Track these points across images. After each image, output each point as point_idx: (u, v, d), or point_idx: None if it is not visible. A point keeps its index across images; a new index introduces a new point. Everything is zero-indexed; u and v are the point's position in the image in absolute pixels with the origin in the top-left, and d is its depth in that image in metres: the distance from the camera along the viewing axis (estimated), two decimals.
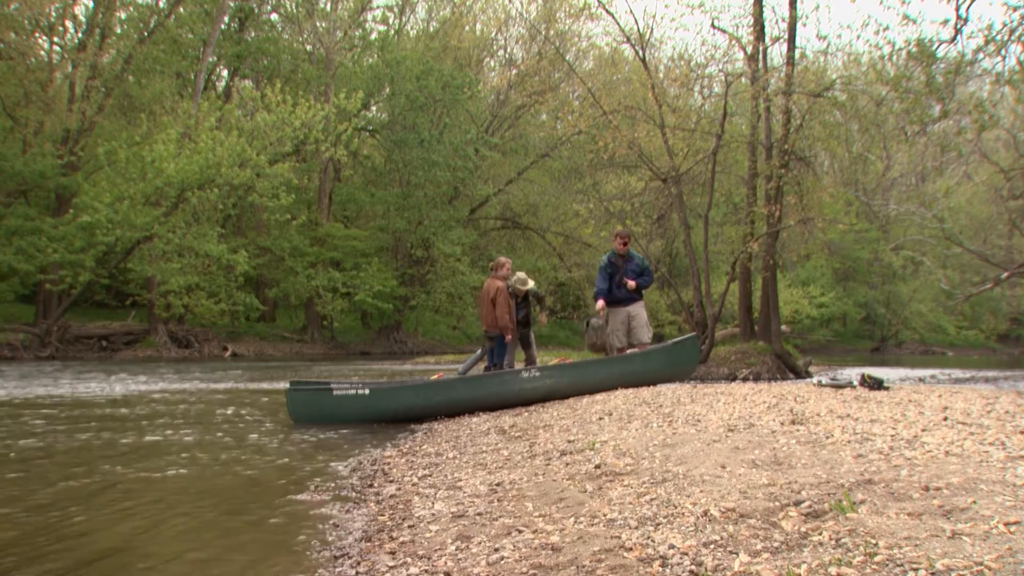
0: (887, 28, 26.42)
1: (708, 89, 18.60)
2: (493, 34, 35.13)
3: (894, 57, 12.66)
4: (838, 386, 6.85)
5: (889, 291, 41.08)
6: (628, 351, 8.45)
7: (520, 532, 2.80)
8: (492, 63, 37.22)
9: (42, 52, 24.74)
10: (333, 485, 4.42)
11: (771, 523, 2.43)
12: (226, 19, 27.85)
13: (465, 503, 3.46)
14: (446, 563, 2.56)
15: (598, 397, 7.03)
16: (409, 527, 3.19)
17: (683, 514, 2.64)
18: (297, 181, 26.54)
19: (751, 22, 14.99)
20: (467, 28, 34.13)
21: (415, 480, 4.31)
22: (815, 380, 10.47)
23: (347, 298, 28.04)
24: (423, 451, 5.48)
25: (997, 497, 2.38)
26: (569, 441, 4.72)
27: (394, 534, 3.11)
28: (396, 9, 34.30)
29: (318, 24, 30.50)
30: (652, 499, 2.91)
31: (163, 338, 23.29)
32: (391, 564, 2.67)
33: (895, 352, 39.85)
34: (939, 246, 21.57)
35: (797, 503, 2.57)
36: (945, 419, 4.19)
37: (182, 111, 23.65)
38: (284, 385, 8.60)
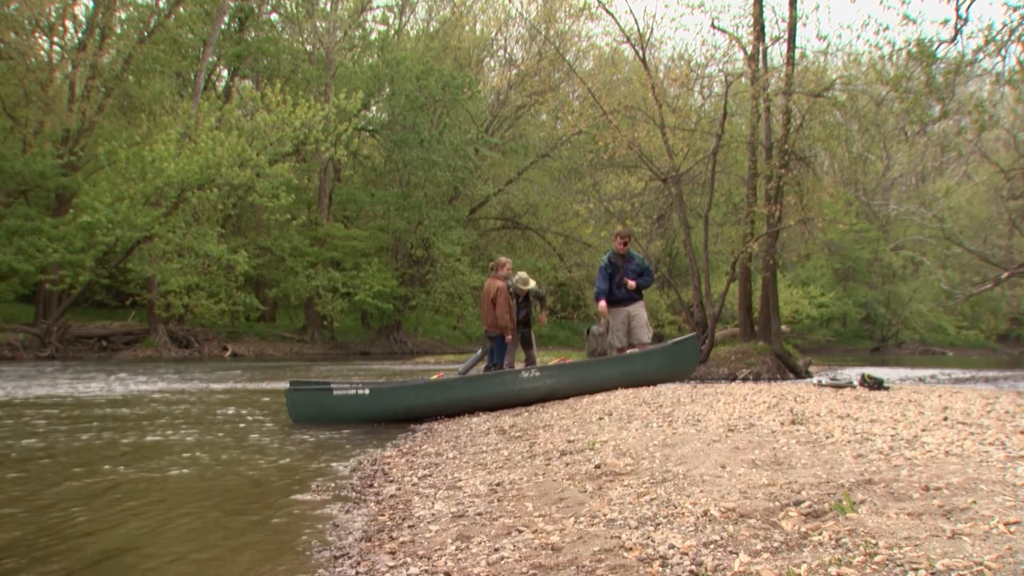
0: (887, 28, 26.47)
1: (708, 89, 18.61)
2: (493, 34, 35.14)
3: (894, 57, 12.67)
4: (838, 386, 6.86)
5: (889, 291, 41.09)
6: (628, 351, 8.46)
7: (520, 532, 2.80)
8: (492, 63, 37.24)
9: (42, 52, 24.75)
10: (333, 485, 4.42)
11: (771, 523, 2.43)
12: (226, 19, 27.85)
13: (465, 503, 3.46)
14: (446, 563, 2.56)
15: (598, 397, 7.03)
16: (409, 527, 3.19)
17: (683, 514, 2.64)
18: (297, 181, 26.55)
19: (751, 22, 14.99)
20: (467, 28, 34.12)
21: (415, 480, 4.31)
22: (815, 380, 10.47)
23: (347, 298, 28.04)
24: (423, 451, 5.48)
25: (997, 497, 2.39)
26: (569, 441, 4.72)
27: (394, 534, 3.11)
28: (396, 9, 34.32)
29: (318, 24, 30.51)
30: (652, 499, 2.91)
31: (163, 338, 23.29)
32: (391, 564, 2.67)
33: (895, 352, 39.86)
34: (939, 246, 21.59)
35: (797, 503, 2.57)
36: (945, 419, 4.19)
37: (182, 111, 23.66)
38: (284, 385, 8.60)
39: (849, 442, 3.56)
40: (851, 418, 4.38)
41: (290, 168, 23.38)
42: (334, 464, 5.17)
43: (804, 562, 2.01)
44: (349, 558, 2.87)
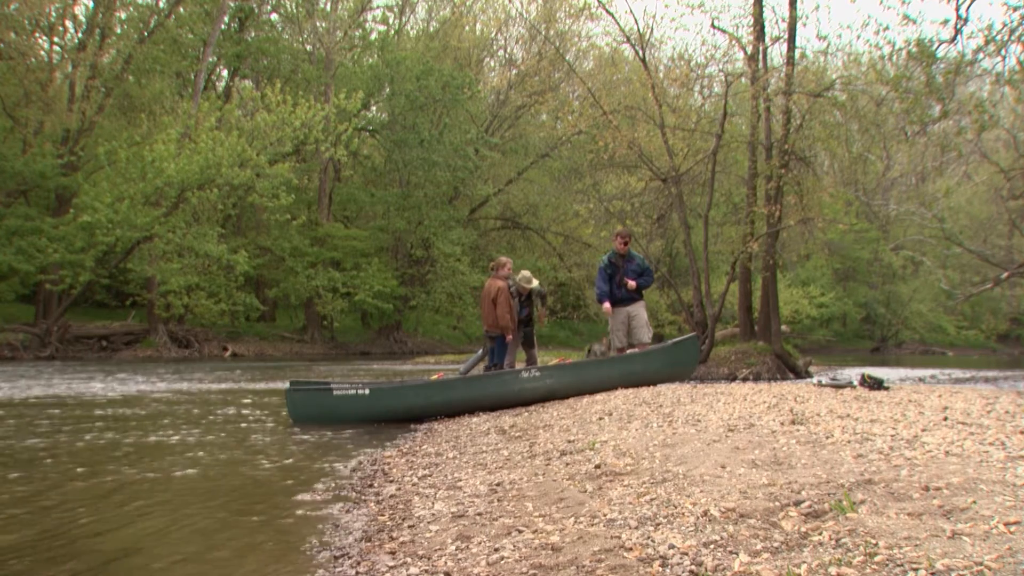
0: (887, 28, 26.47)
1: (708, 89, 18.60)
2: (493, 34, 35.15)
3: (894, 57, 12.67)
4: (838, 386, 6.85)
5: (889, 291, 41.09)
6: (628, 351, 8.45)
7: (520, 532, 2.80)
8: (492, 63, 37.25)
9: (42, 52, 24.76)
10: (333, 485, 4.42)
11: (771, 523, 2.43)
12: (226, 19, 27.86)
13: (465, 503, 3.46)
14: (446, 563, 2.56)
15: (598, 397, 7.03)
16: (409, 527, 3.19)
17: (683, 514, 2.64)
18: (297, 181, 26.56)
19: (751, 22, 14.98)
20: (467, 28, 34.13)
21: (415, 480, 4.31)
22: (815, 380, 10.47)
23: (347, 298, 28.05)
24: (423, 451, 5.48)
25: (997, 497, 2.39)
26: (569, 441, 4.72)
27: (394, 534, 3.11)
28: (396, 9, 34.32)
29: (318, 24, 30.51)
30: (652, 499, 2.91)
31: (163, 338, 23.29)
32: (391, 564, 2.68)
33: (895, 352, 39.86)
34: (939, 246, 21.58)
35: (797, 503, 2.57)
36: (945, 419, 4.19)
37: (182, 111, 23.66)
38: (284, 385, 8.60)
39: (849, 442, 3.56)
40: (851, 418, 4.38)
41: (290, 168, 23.39)
42: (334, 464, 5.17)
43: (804, 562, 2.01)
44: (349, 558, 2.87)
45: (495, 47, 36.41)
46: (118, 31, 25.36)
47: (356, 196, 30.93)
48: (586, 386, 7.72)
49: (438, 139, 28.66)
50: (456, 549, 2.71)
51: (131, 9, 25.80)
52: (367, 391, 7.54)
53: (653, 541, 2.39)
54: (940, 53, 11.08)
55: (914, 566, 1.84)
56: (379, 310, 28.91)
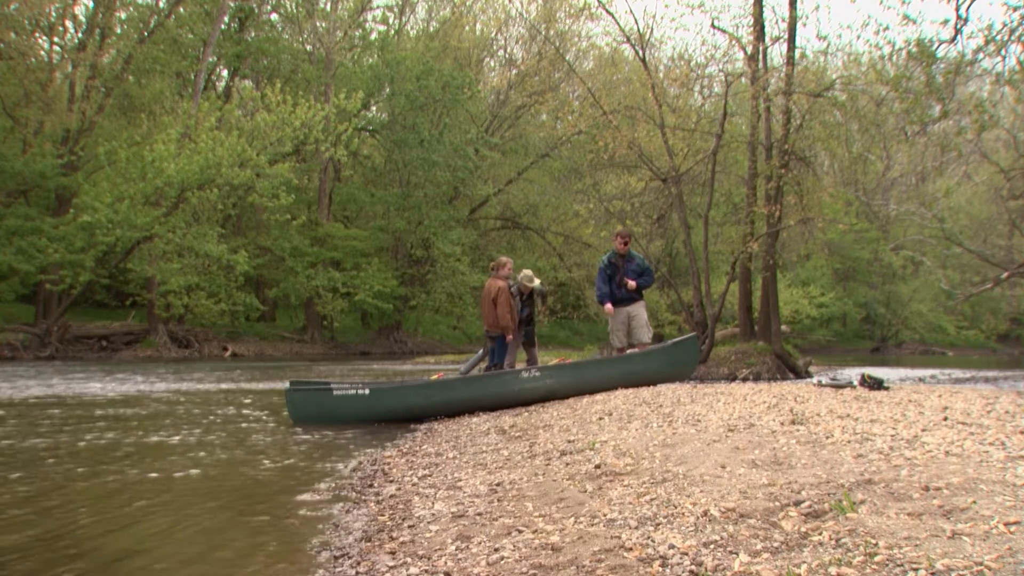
0: (887, 28, 26.48)
1: (708, 89, 18.60)
2: (493, 34, 35.15)
3: (894, 57, 12.67)
4: (838, 386, 6.85)
5: (889, 291, 41.09)
6: (628, 351, 8.46)
7: (520, 532, 2.80)
8: (492, 63, 37.25)
9: (42, 52, 24.76)
10: (333, 485, 4.42)
11: (771, 523, 2.43)
12: (226, 19, 27.86)
13: (465, 503, 3.46)
14: (446, 563, 2.56)
15: (598, 397, 7.03)
16: (409, 527, 3.19)
17: (683, 514, 2.64)
18: (297, 181, 26.56)
19: (751, 22, 14.98)
20: (467, 28, 34.13)
21: (415, 480, 4.31)
22: (815, 380, 10.47)
23: (347, 298, 28.05)
24: (423, 451, 5.48)
25: (997, 497, 2.39)
26: (569, 441, 4.72)
27: (394, 534, 3.11)
28: (396, 9, 34.32)
29: (318, 24, 30.51)
30: (652, 499, 2.91)
31: (163, 338, 23.29)
32: (391, 564, 2.68)
33: (895, 352, 39.86)
34: (939, 246, 21.58)
35: (797, 503, 2.57)
36: (945, 419, 4.20)
37: (182, 111, 23.66)
38: (284, 385, 8.61)
39: (849, 442, 3.56)
40: (851, 418, 4.38)
41: (290, 168, 23.39)
42: (334, 464, 5.18)
43: (804, 562, 2.02)
44: (349, 558, 2.87)
45: (495, 47, 36.43)
46: (118, 31, 25.36)
47: (356, 196, 30.93)
48: (586, 386, 7.72)
49: (438, 139, 28.66)
50: (456, 549, 2.71)
51: (131, 9, 25.80)
52: (367, 391, 7.54)
53: (653, 541, 2.39)
54: (940, 53, 11.09)
55: (914, 566, 1.84)
56: (379, 310, 28.91)
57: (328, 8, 31.01)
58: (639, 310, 8.57)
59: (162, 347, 22.91)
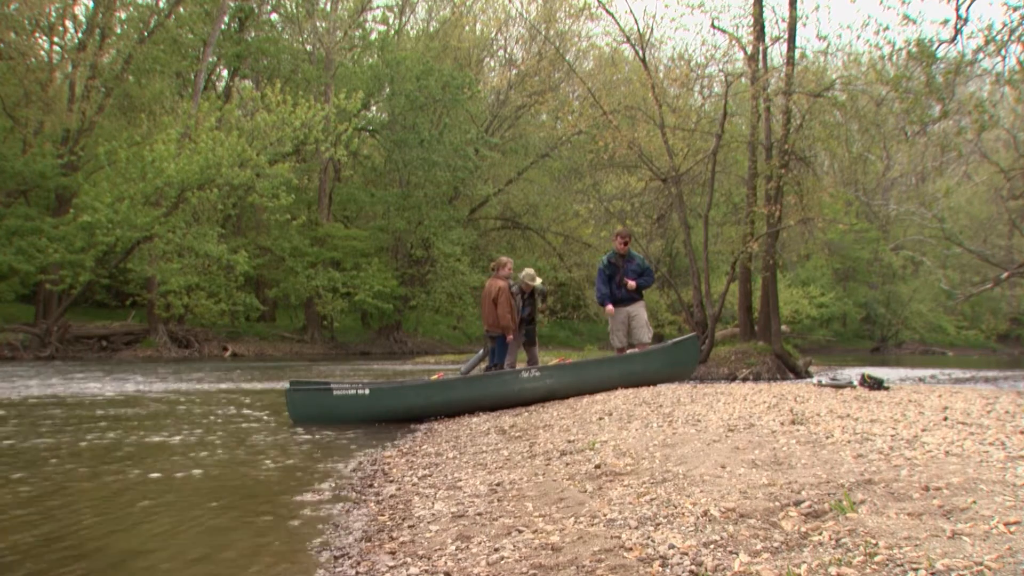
0: (887, 28, 26.49)
1: (708, 89, 18.60)
2: (493, 34, 35.14)
3: (894, 57, 12.67)
4: (838, 386, 6.86)
5: (889, 291, 41.09)
6: (628, 351, 8.46)
7: (520, 532, 2.80)
8: (492, 63, 37.25)
9: (42, 52, 24.75)
10: (333, 485, 4.42)
11: (771, 523, 2.44)
12: (226, 19, 27.85)
13: (465, 503, 3.46)
14: (446, 563, 2.57)
15: (598, 397, 7.03)
16: (409, 527, 3.19)
17: (683, 514, 2.64)
18: (297, 181, 26.55)
19: (751, 22, 14.98)
20: (467, 28, 34.12)
21: (415, 480, 4.31)
22: (815, 380, 10.47)
23: (347, 298, 28.04)
24: (423, 451, 5.48)
25: (997, 497, 2.39)
26: (569, 441, 4.73)
27: (394, 534, 3.11)
28: (396, 9, 34.32)
29: (318, 24, 30.51)
30: (652, 499, 2.91)
31: (163, 338, 23.29)
32: (391, 564, 2.68)
33: (895, 352, 39.85)
34: (939, 246, 21.58)
35: (797, 503, 2.57)
36: (945, 419, 4.20)
37: (182, 111, 23.65)
38: (284, 385, 8.61)
39: (849, 442, 3.57)
40: (851, 418, 4.38)
41: (290, 168, 23.38)
42: (334, 464, 5.18)
43: (804, 562, 2.02)
44: (349, 558, 2.87)
45: (495, 47, 36.43)
46: (118, 31, 25.35)
47: (356, 196, 30.92)
48: (586, 386, 7.72)
49: (438, 139, 28.66)
50: (456, 549, 2.71)
51: (131, 9, 25.79)
52: (367, 391, 7.54)
53: (653, 541, 2.40)
54: (940, 53, 11.09)
55: (914, 566, 1.84)
56: (379, 310, 28.91)
57: (328, 8, 31.01)
58: (639, 310, 8.58)
59: (162, 347, 22.91)
